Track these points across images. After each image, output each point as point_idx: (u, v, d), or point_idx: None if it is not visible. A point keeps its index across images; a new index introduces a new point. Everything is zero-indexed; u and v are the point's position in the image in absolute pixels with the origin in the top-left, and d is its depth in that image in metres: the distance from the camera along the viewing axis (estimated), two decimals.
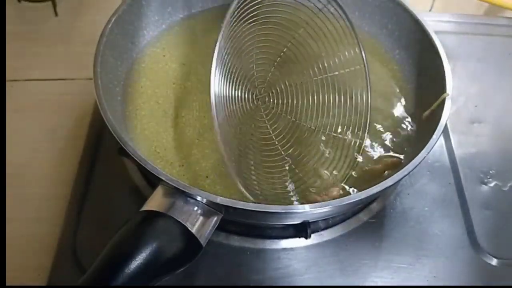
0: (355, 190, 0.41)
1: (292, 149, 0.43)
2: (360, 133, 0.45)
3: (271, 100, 0.46)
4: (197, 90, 0.46)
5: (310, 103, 0.46)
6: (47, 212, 0.47)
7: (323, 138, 0.44)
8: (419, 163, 0.38)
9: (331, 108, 0.46)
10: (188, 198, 0.34)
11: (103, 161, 0.46)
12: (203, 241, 0.34)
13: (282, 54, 0.48)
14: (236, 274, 0.41)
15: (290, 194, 0.41)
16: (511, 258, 0.44)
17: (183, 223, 0.33)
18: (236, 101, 0.42)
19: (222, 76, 0.39)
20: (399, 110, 0.47)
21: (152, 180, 0.40)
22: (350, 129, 0.45)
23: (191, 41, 0.50)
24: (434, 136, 0.39)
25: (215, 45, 0.36)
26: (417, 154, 0.38)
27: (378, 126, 0.46)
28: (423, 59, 0.48)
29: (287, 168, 0.42)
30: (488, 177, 0.49)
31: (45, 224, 0.47)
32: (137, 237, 0.32)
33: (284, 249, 0.43)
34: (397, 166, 0.43)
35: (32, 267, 0.44)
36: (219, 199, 0.34)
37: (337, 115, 0.46)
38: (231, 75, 0.41)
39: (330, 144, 0.44)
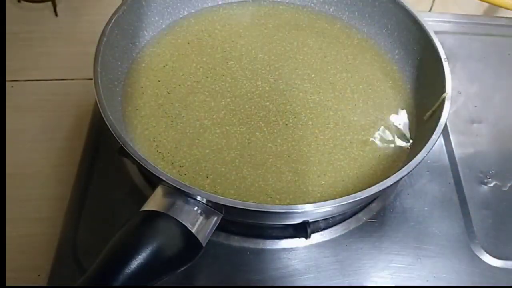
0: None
1: None
2: None
3: None
4: (197, 90, 0.46)
5: None
6: (47, 212, 0.47)
7: None
8: (419, 163, 0.38)
9: None
10: (188, 198, 0.34)
11: (103, 161, 0.46)
12: (203, 241, 0.34)
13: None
14: (236, 274, 0.41)
15: None
16: (511, 258, 0.44)
17: (183, 223, 0.33)
18: None
19: None
20: (398, 110, 0.47)
21: (152, 180, 0.40)
22: None
23: (191, 41, 0.50)
24: (433, 136, 0.39)
25: None
26: (417, 154, 0.38)
27: (378, 127, 0.46)
28: (423, 59, 0.48)
29: None
30: (488, 177, 0.49)
31: (45, 224, 0.47)
32: (137, 237, 0.32)
33: (284, 249, 0.43)
34: None
35: (32, 267, 0.45)
36: (219, 199, 0.34)
37: None
38: None
39: None
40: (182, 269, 0.34)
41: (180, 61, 0.49)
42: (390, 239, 0.44)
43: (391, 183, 0.36)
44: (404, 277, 0.42)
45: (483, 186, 0.49)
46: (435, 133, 0.39)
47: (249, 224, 0.43)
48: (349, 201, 0.35)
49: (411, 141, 0.45)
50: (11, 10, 0.63)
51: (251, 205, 0.34)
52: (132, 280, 0.30)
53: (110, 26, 0.43)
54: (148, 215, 0.34)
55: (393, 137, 0.45)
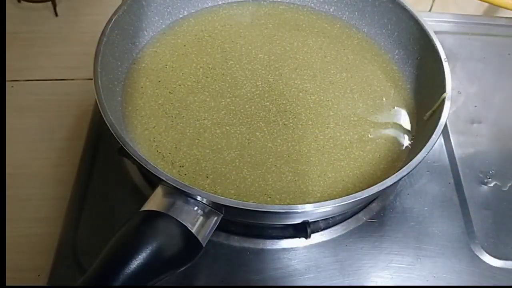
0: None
1: None
2: None
3: None
4: (197, 90, 0.46)
5: None
6: (47, 212, 0.47)
7: None
8: (419, 163, 0.38)
9: None
10: (188, 198, 0.34)
11: (103, 161, 0.46)
12: (203, 241, 0.34)
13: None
14: (236, 274, 0.41)
15: None
16: (511, 258, 0.44)
17: (183, 223, 0.33)
18: None
19: None
20: (398, 110, 0.47)
21: (152, 180, 0.40)
22: None
23: (191, 41, 0.50)
24: (433, 136, 0.39)
25: None
26: (417, 154, 0.38)
27: (378, 127, 0.46)
28: (422, 59, 0.48)
29: None
30: (488, 177, 0.49)
31: (45, 224, 0.47)
32: (137, 237, 0.32)
33: (284, 249, 0.43)
34: None
35: (32, 267, 0.45)
36: (219, 199, 0.34)
37: None
38: None
39: None
40: (182, 269, 0.34)
41: (180, 61, 0.49)
42: (390, 239, 0.44)
43: (391, 183, 0.36)
44: (404, 277, 0.42)
45: (483, 186, 0.49)
46: (435, 133, 0.39)
47: (249, 224, 0.43)
48: (349, 201, 0.35)
49: (411, 141, 0.45)
50: (11, 10, 0.63)
51: (251, 205, 0.34)
52: (132, 280, 0.30)
53: (110, 26, 0.43)
54: (148, 215, 0.34)
55: (393, 137, 0.45)
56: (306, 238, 0.42)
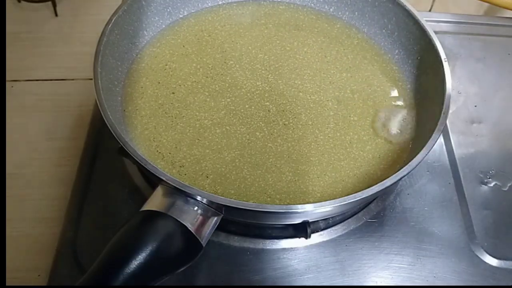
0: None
1: None
2: None
3: None
4: (197, 90, 0.46)
5: None
6: (47, 212, 0.47)
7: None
8: (419, 163, 0.38)
9: None
10: (188, 198, 0.34)
11: (103, 161, 0.46)
12: (203, 241, 0.34)
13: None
14: (236, 274, 0.41)
15: None
16: (511, 258, 0.44)
17: (183, 223, 0.33)
18: None
19: None
20: (398, 110, 0.47)
21: (152, 180, 0.40)
22: None
23: (191, 41, 0.50)
24: (433, 136, 0.39)
25: None
26: (417, 154, 0.38)
27: (378, 127, 0.46)
28: (423, 60, 0.48)
29: None
30: (488, 177, 0.49)
31: (45, 224, 0.47)
32: (137, 237, 0.32)
33: (284, 249, 0.43)
34: None
35: (32, 267, 0.45)
36: (219, 199, 0.34)
37: None
38: None
39: None
40: (182, 269, 0.34)
41: (180, 61, 0.49)
42: (390, 239, 0.44)
43: (391, 183, 0.36)
44: (404, 277, 0.42)
45: (483, 186, 0.49)
46: (435, 133, 0.39)
47: (249, 224, 0.43)
48: (349, 201, 0.35)
49: (411, 141, 0.45)
50: (11, 10, 0.63)
51: (251, 205, 0.34)
52: (132, 280, 0.30)
53: (110, 26, 0.43)
54: (148, 215, 0.34)
55: (393, 137, 0.45)
56: (306, 238, 0.42)
